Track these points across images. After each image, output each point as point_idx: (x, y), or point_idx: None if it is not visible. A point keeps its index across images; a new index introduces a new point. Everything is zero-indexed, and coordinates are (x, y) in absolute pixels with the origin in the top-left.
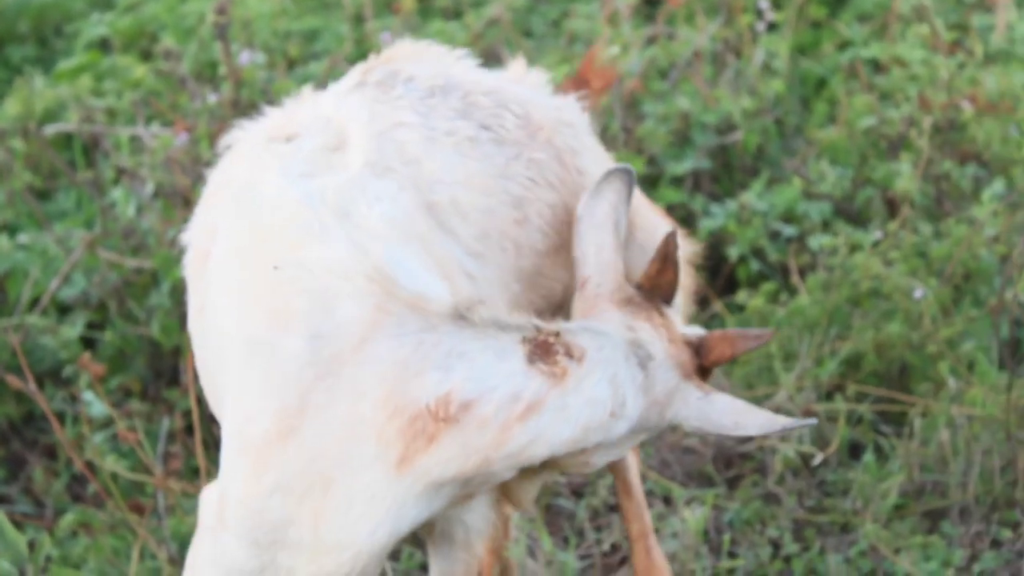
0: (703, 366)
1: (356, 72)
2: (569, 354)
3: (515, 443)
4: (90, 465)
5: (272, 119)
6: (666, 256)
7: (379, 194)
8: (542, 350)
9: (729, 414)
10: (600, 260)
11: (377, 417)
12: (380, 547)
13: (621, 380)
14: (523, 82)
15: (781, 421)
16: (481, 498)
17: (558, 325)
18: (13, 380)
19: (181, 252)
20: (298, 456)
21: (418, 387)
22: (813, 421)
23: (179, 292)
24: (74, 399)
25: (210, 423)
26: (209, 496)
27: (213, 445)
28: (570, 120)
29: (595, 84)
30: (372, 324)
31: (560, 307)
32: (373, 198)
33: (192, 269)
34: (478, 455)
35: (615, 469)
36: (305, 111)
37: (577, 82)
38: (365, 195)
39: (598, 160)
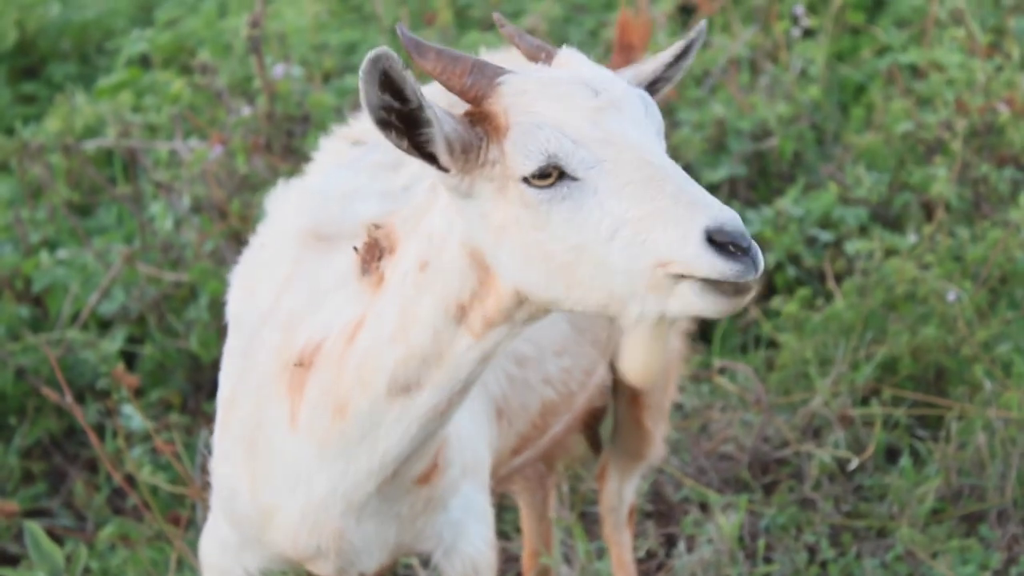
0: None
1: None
2: (391, 249)
3: (350, 369)
4: (129, 478)
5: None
6: None
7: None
8: (370, 255)
9: None
10: None
11: (276, 373)
12: (300, 512)
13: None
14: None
15: None
16: (476, 527)
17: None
18: (50, 393)
19: (218, 265)
20: (235, 421)
21: (297, 338)
22: None
23: (217, 306)
24: (111, 413)
25: None
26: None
27: None
28: None
29: (637, 43)
30: (287, 277)
31: (604, 352)
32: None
33: None
34: (332, 394)
35: (610, 542)
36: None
37: (621, 47)
38: (394, 202)
39: None
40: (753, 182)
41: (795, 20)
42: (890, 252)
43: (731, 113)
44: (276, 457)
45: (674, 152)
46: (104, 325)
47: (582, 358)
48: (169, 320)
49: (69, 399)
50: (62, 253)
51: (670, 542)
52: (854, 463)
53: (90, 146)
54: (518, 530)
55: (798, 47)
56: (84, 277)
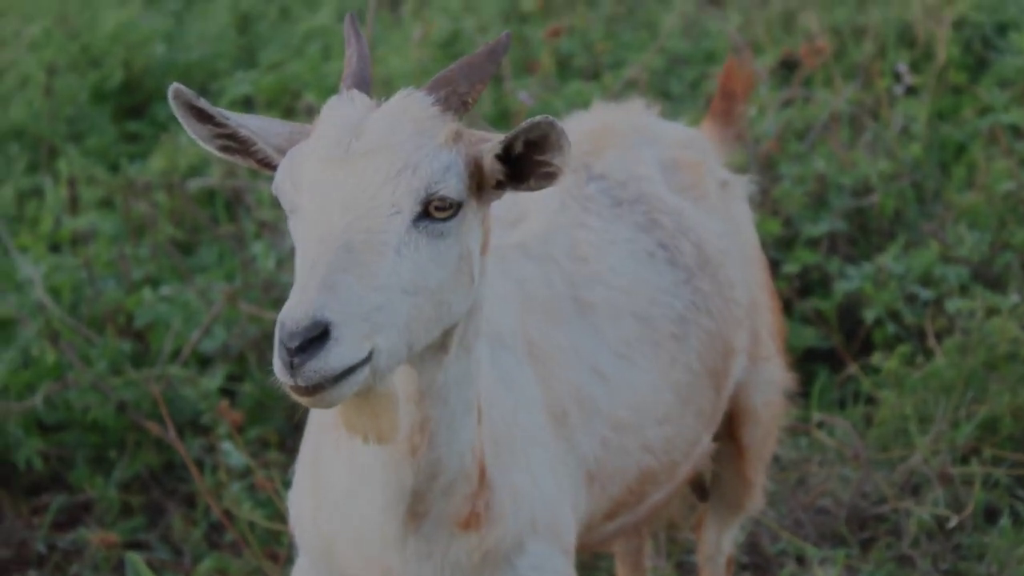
0: None
1: None
2: None
3: None
4: (228, 514)
5: None
6: None
7: (519, 274)
8: None
9: None
10: None
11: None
12: (351, 543)
13: None
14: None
15: None
16: None
17: None
18: (154, 427)
19: None
20: (306, 447)
21: None
22: None
23: None
24: (212, 449)
25: None
26: None
27: None
28: (727, 248)
29: (739, 91)
30: None
31: (709, 424)
32: (508, 273)
33: None
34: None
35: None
36: None
37: (723, 94)
38: (500, 267)
39: (748, 290)
40: (854, 238)
41: (898, 78)
42: (991, 311)
43: (832, 168)
44: (328, 484)
45: (775, 206)
46: (204, 362)
47: (685, 429)
48: (269, 359)
49: (172, 434)
50: (165, 290)
51: None
52: (953, 522)
53: (195, 185)
54: None
55: (900, 104)
56: (186, 314)
